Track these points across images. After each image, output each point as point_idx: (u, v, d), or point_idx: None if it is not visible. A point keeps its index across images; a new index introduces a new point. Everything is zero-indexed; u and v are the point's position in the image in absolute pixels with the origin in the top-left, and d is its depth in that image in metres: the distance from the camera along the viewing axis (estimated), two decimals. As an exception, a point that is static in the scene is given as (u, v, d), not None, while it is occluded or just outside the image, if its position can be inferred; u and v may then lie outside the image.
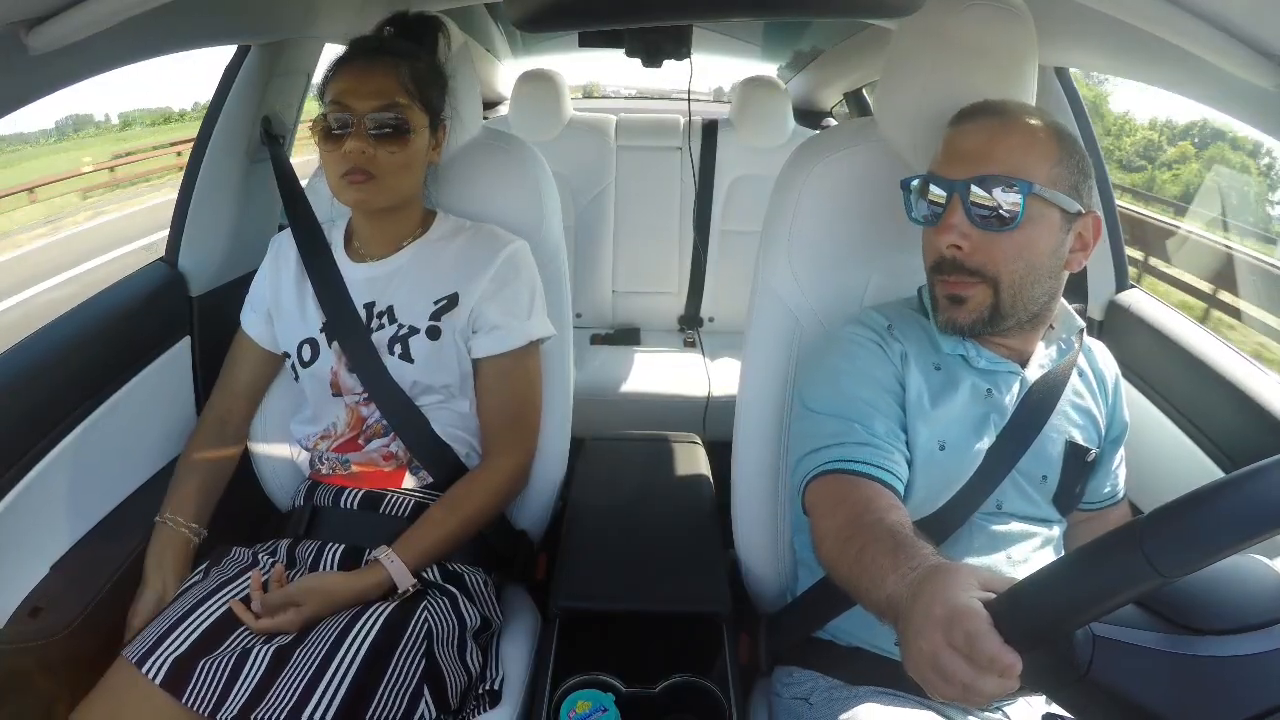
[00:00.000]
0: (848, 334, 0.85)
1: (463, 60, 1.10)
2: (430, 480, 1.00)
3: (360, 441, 1.00)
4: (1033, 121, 0.77)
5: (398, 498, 0.99)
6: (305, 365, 1.00)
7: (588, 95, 3.97)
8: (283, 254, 1.06)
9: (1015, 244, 0.75)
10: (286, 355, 1.03)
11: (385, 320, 0.99)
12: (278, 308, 1.04)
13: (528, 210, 1.11)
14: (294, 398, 1.09)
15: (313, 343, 1.00)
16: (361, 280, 1.01)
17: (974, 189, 0.74)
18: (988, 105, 0.79)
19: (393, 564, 0.88)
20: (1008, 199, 0.73)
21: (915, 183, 0.82)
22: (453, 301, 0.99)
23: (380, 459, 1.00)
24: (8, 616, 0.85)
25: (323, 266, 1.01)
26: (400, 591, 0.88)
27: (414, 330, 0.98)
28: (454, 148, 1.10)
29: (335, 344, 0.99)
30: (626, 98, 3.53)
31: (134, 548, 0.99)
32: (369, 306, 1.00)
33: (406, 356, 0.97)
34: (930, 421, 0.80)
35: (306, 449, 1.03)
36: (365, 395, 0.98)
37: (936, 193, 0.78)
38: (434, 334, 0.98)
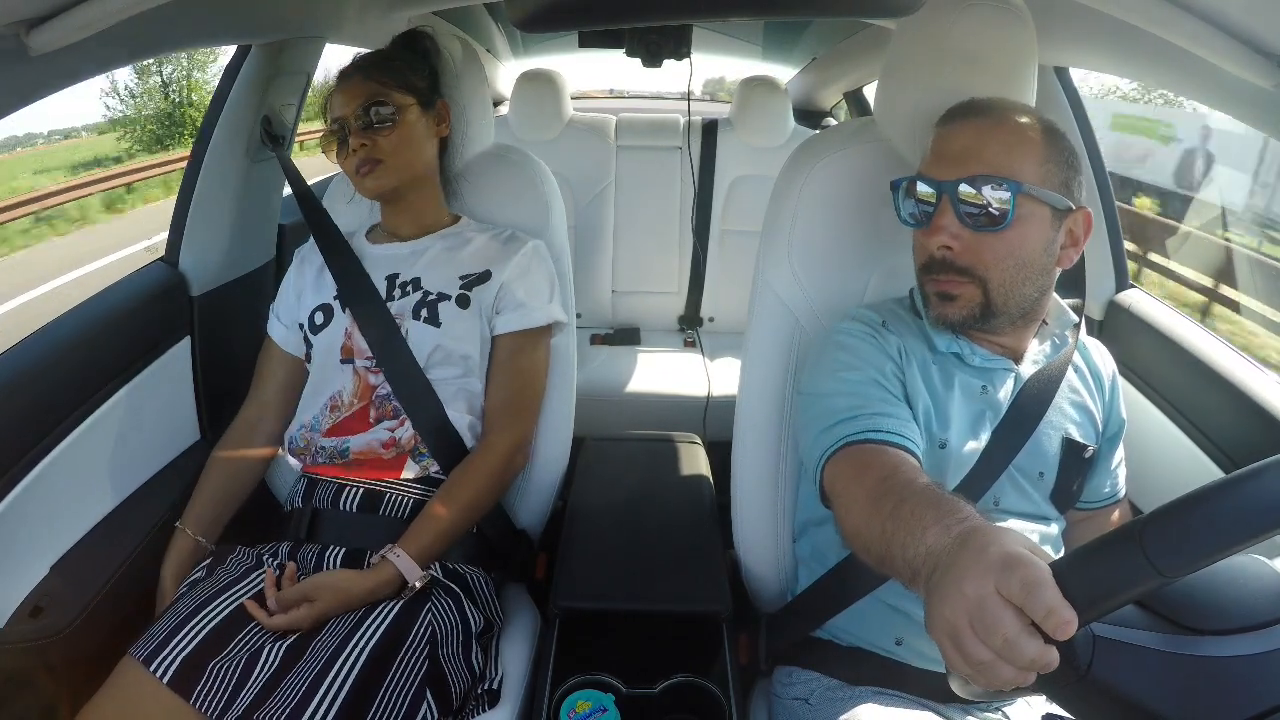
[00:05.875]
0: (844, 328, 0.85)
1: (470, 63, 1.12)
2: (430, 473, 1.00)
3: (370, 418, 1.00)
4: (1021, 119, 0.76)
5: (397, 496, 0.99)
6: (316, 331, 1.02)
7: (615, 95, 4.01)
8: (308, 260, 1.10)
9: (1005, 243, 0.75)
10: (300, 327, 1.05)
11: (410, 288, 1.02)
12: (300, 306, 1.07)
13: (534, 217, 1.15)
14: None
15: (326, 308, 1.03)
16: (383, 256, 1.06)
17: (962, 189, 0.74)
18: (975, 104, 0.79)
19: (400, 559, 0.88)
20: (997, 198, 0.73)
21: (904, 184, 0.81)
22: (484, 277, 1.03)
23: (380, 447, 0.99)
24: (8, 616, 0.85)
25: (334, 242, 1.06)
26: (409, 587, 0.88)
27: (444, 296, 1.01)
28: (467, 152, 1.14)
29: (348, 310, 1.01)
30: (653, 97, 3.54)
31: (134, 548, 0.99)
32: (391, 278, 1.03)
33: (433, 320, 1.00)
34: (930, 420, 0.80)
35: (310, 433, 1.03)
36: (374, 361, 0.99)
37: (925, 193, 0.78)
38: (464, 302, 1.01)
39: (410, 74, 1.02)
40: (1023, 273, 0.77)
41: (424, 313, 1.00)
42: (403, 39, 1.09)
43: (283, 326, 1.09)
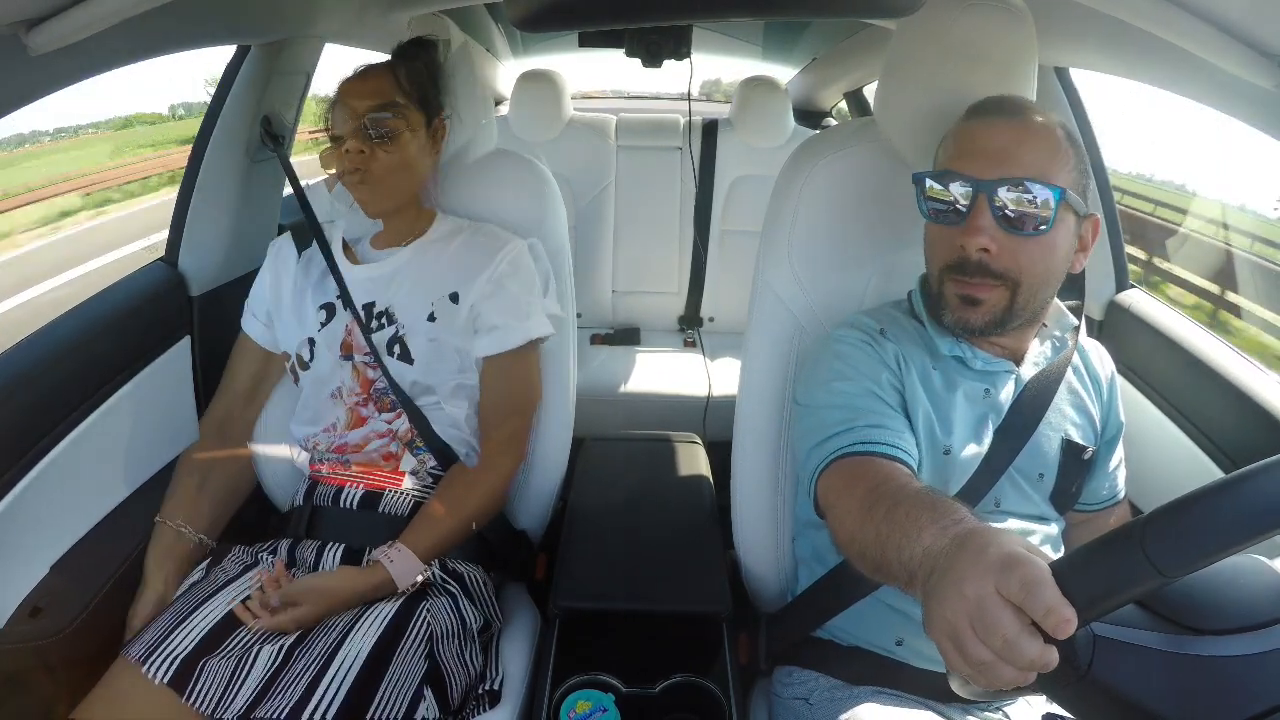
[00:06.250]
0: (839, 336, 0.85)
1: (462, 60, 1.11)
2: (429, 466, 1.01)
3: (374, 410, 1.00)
4: (1049, 123, 0.75)
5: (397, 496, 0.99)
6: (320, 328, 1.02)
7: (619, 95, 4.02)
8: (282, 257, 1.08)
9: (1041, 248, 0.74)
10: (287, 356, 1.04)
11: (384, 321, 1.01)
12: (278, 309, 1.06)
13: (534, 218, 1.15)
14: (293, 398, 1.09)
15: (329, 306, 1.03)
16: (361, 280, 1.03)
17: (1002, 191, 0.72)
18: (1004, 102, 0.77)
19: (393, 564, 0.88)
20: (1041, 203, 0.72)
21: (932, 179, 0.77)
22: (452, 300, 1.00)
23: (380, 459, 1.00)
24: (8, 616, 0.85)
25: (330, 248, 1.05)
26: (400, 591, 0.88)
27: (412, 331, 0.99)
28: (453, 146, 1.12)
29: (349, 309, 1.01)
30: (653, 98, 3.55)
31: (134, 548, 0.99)
32: (368, 307, 1.01)
33: (405, 357, 0.98)
34: (932, 427, 0.80)
35: (306, 449, 1.04)
36: (372, 357, 0.99)
37: (959, 191, 0.75)
38: (432, 334, 0.99)
39: (411, 89, 1.00)
40: (1049, 277, 0.76)
41: (397, 349, 0.99)
42: (406, 48, 1.07)
43: (257, 320, 1.09)
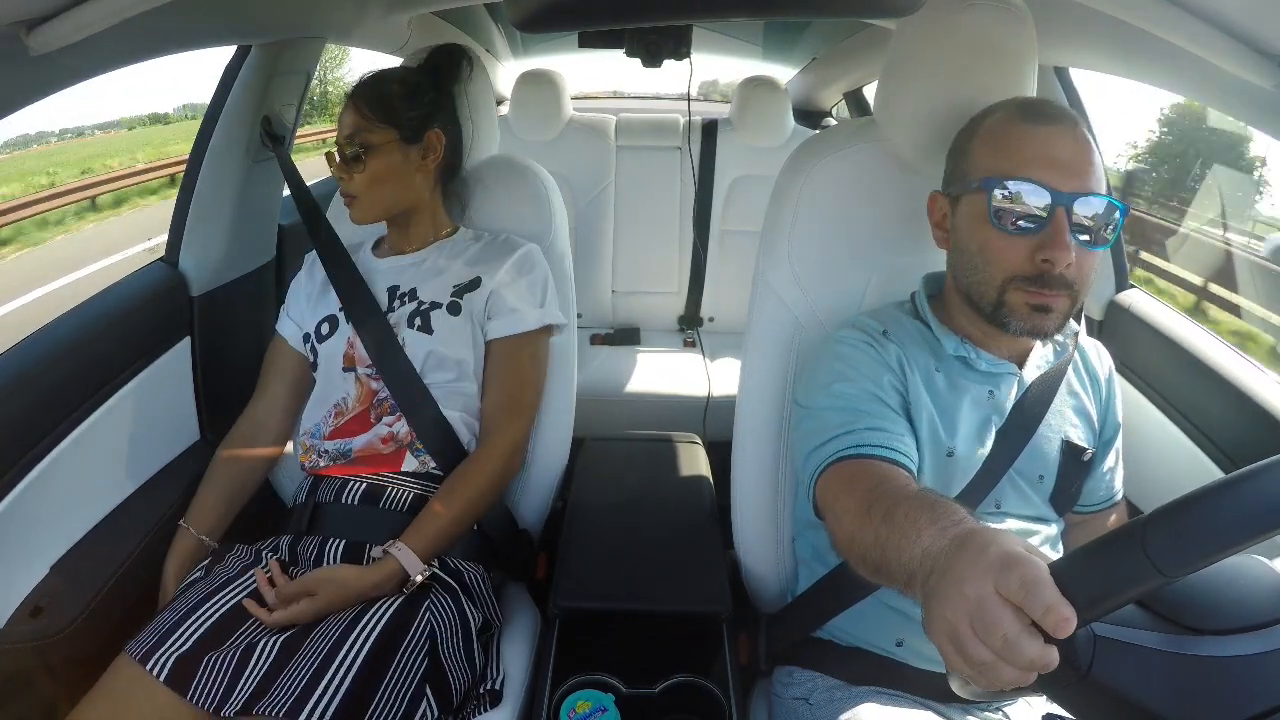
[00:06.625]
0: (841, 337, 0.85)
1: (479, 78, 1.14)
2: (430, 467, 1.01)
3: (372, 418, 1.01)
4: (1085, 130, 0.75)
5: (397, 491, 0.99)
6: (322, 340, 1.05)
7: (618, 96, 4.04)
8: (317, 263, 1.12)
9: (1097, 258, 0.75)
10: (307, 338, 1.07)
11: (407, 299, 1.05)
12: (309, 314, 1.10)
13: (536, 223, 1.17)
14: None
15: (331, 319, 1.06)
16: (388, 269, 1.09)
17: (1080, 206, 0.71)
18: (1051, 107, 0.76)
19: (402, 553, 0.89)
20: (1112, 220, 0.72)
21: (1007, 188, 0.73)
22: (474, 284, 1.05)
23: (380, 442, 1.01)
24: (8, 616, 0.85)
25: (334, 253, 1.09)
26: (410, 583, 0.88)
27: (435, 305, 1.03)
28: (474, 160, 1.17)
29: (351, 322, 1.04)
30: (653, 98, 3.55)
31: (134, 548, 0.99)
32: (392, 290, 1.06)
33: (426, 328, 1.02)
34: (936, 429, 0.80)
35: (310, 453, 1.04)
36: (375, 369, 1.01)
37: (1037, 202, 0.72)
38: (455, 309, 1.03)
39: (401, 105, 1.03)
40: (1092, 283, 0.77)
41: (418, 321, 1.03)
42: (370, 77, 1.08)
43: (293, 324, 1.11)
